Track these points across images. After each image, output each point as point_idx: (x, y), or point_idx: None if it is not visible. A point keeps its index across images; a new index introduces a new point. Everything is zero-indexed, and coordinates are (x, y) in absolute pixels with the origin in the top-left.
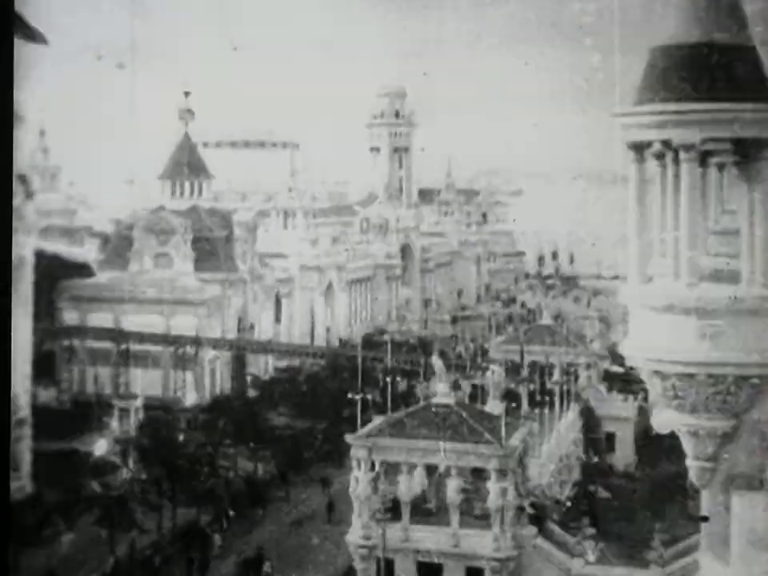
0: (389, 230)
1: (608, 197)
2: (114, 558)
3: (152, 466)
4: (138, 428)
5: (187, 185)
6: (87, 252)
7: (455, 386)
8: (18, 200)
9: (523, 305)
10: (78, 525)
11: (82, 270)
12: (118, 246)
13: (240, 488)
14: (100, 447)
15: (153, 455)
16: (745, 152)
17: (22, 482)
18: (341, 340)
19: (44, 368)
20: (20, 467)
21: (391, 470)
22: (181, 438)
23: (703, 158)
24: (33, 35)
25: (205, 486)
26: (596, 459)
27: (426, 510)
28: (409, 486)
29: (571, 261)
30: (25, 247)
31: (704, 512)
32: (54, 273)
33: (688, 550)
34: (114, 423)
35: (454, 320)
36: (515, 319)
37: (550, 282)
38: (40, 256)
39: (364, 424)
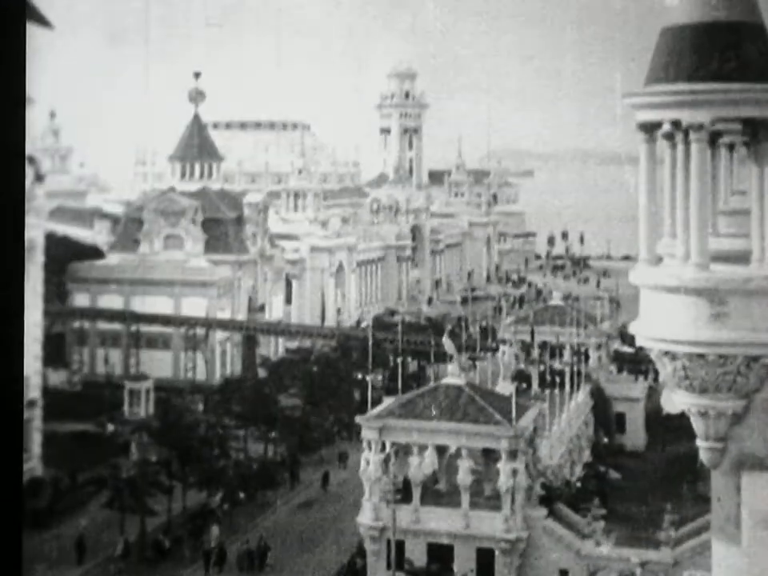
0: (399, 212)
1: (618, 177)
2: (124, 540)
3: (162, 448)
4: (149, 409)
5: (197, 166)
6: (97, 234)
7: (467, 366)
8: (27, 182)
9: (533, 285)
10: (88, 507)
11: (92, 251)
12: (128, 228)
13: (250, 470)
14: (110, 429)
15: (163, 437)
16: (755, 132)
17: (32, 464)
18: (358, 322)
19: (54, 350)
20: (30, 449)
21: (402, 451)
22: (191, 419)
23: (713, 139)
24: (43, 20)
25: (215, 468)
26: (606, 440)
27: (436, 492)
28: (419, 467)
29: (581, 241)
30: (35, 229)
31: (714, 492)
32: (64, 255)
33: (698, 531)
34: (125, 405)
35: (464, 301)
36: (525, 300)
37: (560, 262)
38: (50, 238)
39: (375, 405)
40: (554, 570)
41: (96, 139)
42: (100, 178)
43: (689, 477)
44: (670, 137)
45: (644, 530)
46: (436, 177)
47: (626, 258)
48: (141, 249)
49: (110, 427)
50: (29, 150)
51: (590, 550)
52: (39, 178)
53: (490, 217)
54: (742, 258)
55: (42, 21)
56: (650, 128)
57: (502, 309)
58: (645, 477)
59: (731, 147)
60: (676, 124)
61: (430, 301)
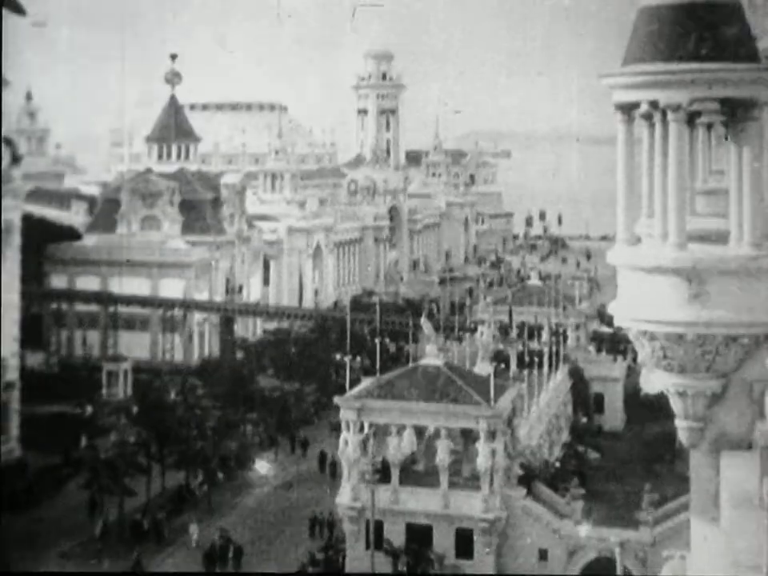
0: (376, 192)
1: (595, 158)
2: (102, 522)
3: (141, 429)
4: (127, 391)
5: (174, 148)
6: (74, 215)
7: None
8: (4, 164)
9: (511, 266)
10: (67, 488)
11: (70, 233)
12: (106, 209)
13: (229, 450)
14: (88, 411)
15: (141, 418)
16: (732, 112)
17: (10, 446)
18: (336, 303)
19: (32, 331)
20: (8, 430)
21: (380, 431)
22: (170, 400)
23: (691, 119)
24: (19, 8)
25: (193, 449)
26: (585, 420)
27: (415, 472)
28: (398, 447)
29: (559, 222)
30: (12, 211)
31: (693, 472)
32: (42, 236)
33: (677, 511)
34: (103, 386)
35: (442, 281)
36: (503, 280)
37: (537, 243)
38: (27, 220)
39: (353, 386)
40: (533, 550)
41: (72, 121)
42: (77, 160)
43: (667, 457)
44: (647, 117)
45: (623, 509)
46: (413, 157)
47: (604, 238)
48: (118, 230)
49: (88, 409)
50: (5, 131)
51: (569, 530)
52: (16, 159)
53: (468, 197)
54: (720, 237)
55: (18, 9)
56: (627, 108)
57: (479, 289)
58: (623, 457)
59: (709, 127)
60: (654, 104)
61: (401, 279)
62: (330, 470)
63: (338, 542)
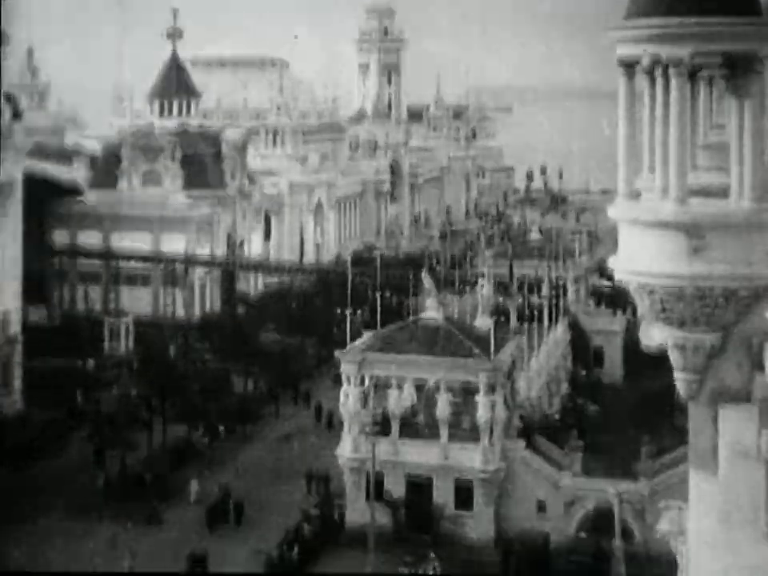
0: (377, 147)
1: (596, 113)
2: (104, 475)
3: (142, 384)
4: (129, 346)
5: (176, 103)
6: (76, 171)
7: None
8: (5, 119)
9: (512, 220)
10: (69, 441)
11: (71, 189)
12: (107, 165)
13: (230, 404)
14: (90, 365)
15: (143, 373)
16: (734, 66)
17: (13, 399)
18: (337, 258)
19: (34, 287)
20: (11, 385)
21: (381, 385)
22: (171, 355)
23: (692, 73)
24: None
25: (195, 403)
26: (584, 373)
27: (415, 425)
28: (398, 400)
29: (560, 176)
30: (13, 166)
31: (691, 424)
32: (43, 192)
33: (675, 462)
34: (105, 341)
35: (443, 236)
36: (504, 235)
37: (538, 197)
38: (29, 176)
39: (353, 340)
40: (531, 501)
41: (74, 76)
42: (78, 115)
43: (666, 409)
44: (649, 71)
45: (621, 461)
46: (415, 113)
47: (605, 192)
48: (119, 186)
49: (91, 363)
50: (6, 87)
51: (568, 482)
52: (17, 115)
53: (469, 152)
54: (721, 192)
55: None
56: (629, 63)
57: (480, 244)
58: (622, 409)
59: (710, 81)
60: (655, 58)
61: (402, 233)
62: (326, 421)
63: (333, 498)
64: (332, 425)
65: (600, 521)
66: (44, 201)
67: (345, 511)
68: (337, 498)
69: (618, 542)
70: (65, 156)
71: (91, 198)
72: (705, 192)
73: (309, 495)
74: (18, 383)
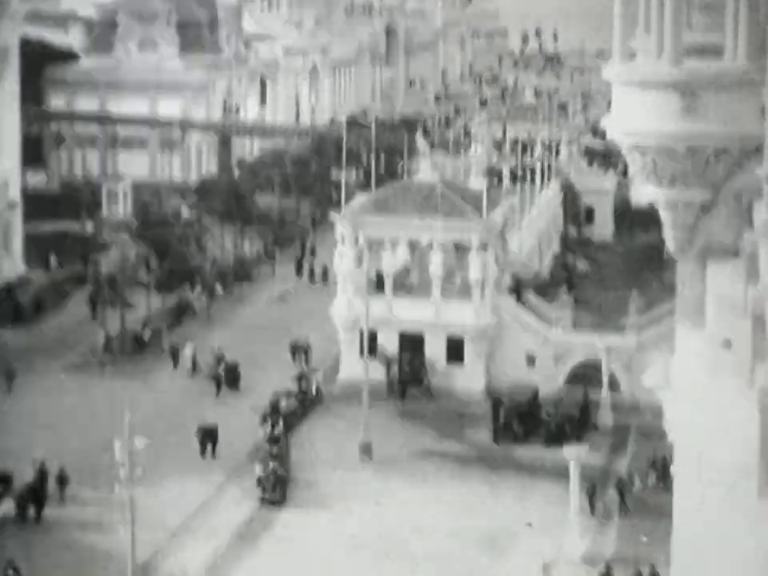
0: (373, 11)
1: None
2: (105, 334)
3: (141, 245)
4: (127, 209)
5: None
6: (72, 37)
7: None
8: None
9: (506, 82)
10: (69, 303)
11: (68, 55)
12: (103, 31)
13: (227, 265)
14: (89, 228)
15: (141, 235)
16: None
17: (14, 263)
18: (332, 121)
19: (32, 152)
20: (12, 248)
21: (375, 245)
22: (169, 217)
23: None
24: None
25: (192, 263)
26: (575, 231)
27: (408, 284)
28: (392, 260)
29: (555, 38)
30: (10, 32)
31: (680, 280)
32: (40, 58)
33: (663, 316)
34: (103, 205)
35: (438, 99)
36: (498, 97)
37: (533, 59)
38: (25, 42)
39: (348, 201)
40: (521, 355)
41: None
42: None
43: (655, 265)
44: None
45: (610, 316)
46: None
47: (600, 53)
48: (116, 52)
49: (89, 226)
50: None
51: (557, 336)
52: None
53: (465, 14)
54: (716, 51)
55: None
56: None
57: (474, 107)
58: (612, 266)
59: None
60: None
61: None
62: (308, 275)
63: (311, 372)
64: (313, 278)
65: (588, 373)
66: (41, 66)
67: (320, 386)
68: (313, 372)
69: (605, 393)
70: (61, 21)
71: (88, 63)
72: (699, 52)
73: (294, 362)
74: (18, 247)
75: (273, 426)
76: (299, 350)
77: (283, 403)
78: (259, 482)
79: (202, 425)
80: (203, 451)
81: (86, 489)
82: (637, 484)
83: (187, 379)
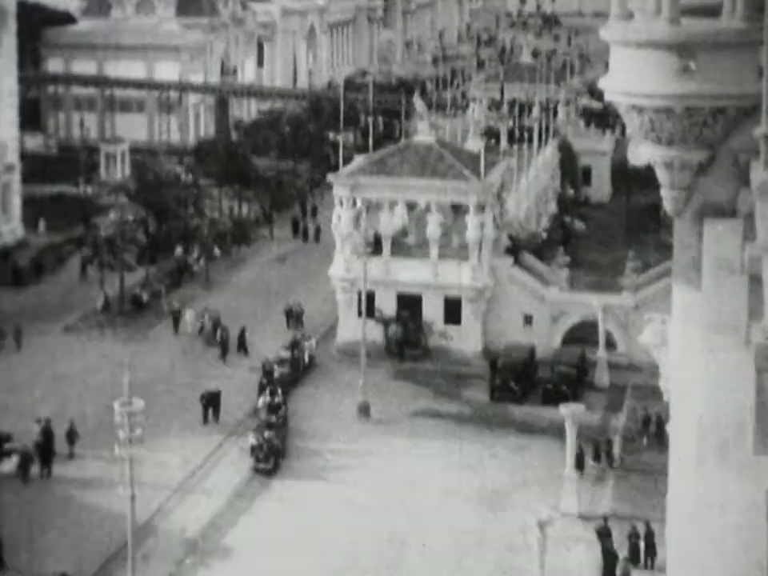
0: None
1: None
2: (104, 295)
3: (139, 208)
4: (125, 171)
5: None
6: (69, 0)
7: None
8: None
9: (504, 44)
10: (68, 265)
11: (65, 18)
12: None
13: (225, 227)
14: (88, 191)
15: (140, 197)
16: None
17: (13, 225)
18: (330, 83)
19: (30, 115)
20: (10, 211)
21: (373, 207)
22: (167, 179)
23: None
24: None
25: (190, 225)
26: (572, 192)
27: (406, 245)
28: (389, 221)
29: None
30: None
31: (676, 240)
32: (38, 22)
33: (659, 276)
34: (101, 167)
35: (435, 60)
36: (495, 58)
37: (530, 20)
38: (22, 5)
39: (346, 163)
40: (518, 316)
41: None
42: None
43: (652, 226)
44: None
45: (607, 276)
46: None
47: (598, 14)
48: (113, 14)
49: (88, 189)
50: None
51: (554, 296)
52: None
53: None
54: (713, 11)
55: None
56: None
57: (472, 67)
58: (609, 226)
59: None
60: None
61: (395, 58)
62: (302, 234)
63: (303, 339)
64: (307, 238)
65: (585, 332)
66: (38, 30)
67: (313, 353)
68: (306, 339)
69: (601, 353)
70: None
71: (85, 26)
72: (697, 11)
73: (288, 328)
74: (17, 210)
75: (272, 395)
76: (293, 316)
77: (276, 371)
78: (252, 450)
79: (206, 391)
80: (206, 416)
81: (87, 449)
82: (633, 442)
83: (186, 342)
